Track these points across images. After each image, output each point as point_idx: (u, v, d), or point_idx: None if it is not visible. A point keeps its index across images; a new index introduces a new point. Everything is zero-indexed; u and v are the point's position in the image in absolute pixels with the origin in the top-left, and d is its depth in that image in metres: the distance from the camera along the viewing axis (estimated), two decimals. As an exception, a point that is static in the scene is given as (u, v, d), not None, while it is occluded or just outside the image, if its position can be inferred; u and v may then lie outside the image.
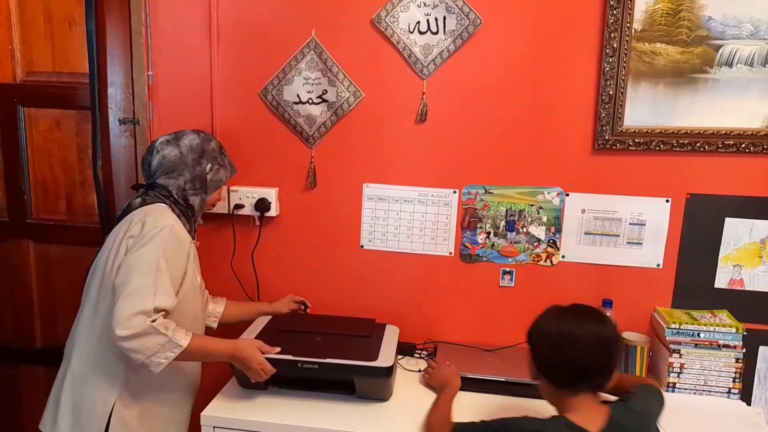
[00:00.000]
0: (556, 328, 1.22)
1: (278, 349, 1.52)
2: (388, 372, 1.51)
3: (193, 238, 1.51)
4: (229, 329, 1.73)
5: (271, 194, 1.88)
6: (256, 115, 1.87)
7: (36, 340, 2.15)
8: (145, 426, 1.45)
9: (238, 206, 1.89)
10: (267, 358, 1.49)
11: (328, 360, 1.50)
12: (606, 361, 1.20)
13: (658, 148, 1.69)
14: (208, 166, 1.51)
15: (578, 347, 1.18)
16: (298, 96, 1.84)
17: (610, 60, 1.65)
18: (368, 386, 1.54)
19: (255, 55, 1.84)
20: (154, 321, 1.29)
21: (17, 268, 2.11)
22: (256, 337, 1.60)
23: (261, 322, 1.74)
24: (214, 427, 1.49)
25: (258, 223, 1.92)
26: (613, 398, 1.27)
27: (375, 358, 1.52)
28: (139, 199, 1.46)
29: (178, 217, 1.45)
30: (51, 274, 2.10)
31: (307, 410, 1.51)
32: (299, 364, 1.50)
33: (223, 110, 1.89)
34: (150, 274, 1.31)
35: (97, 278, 1.42)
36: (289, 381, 1.58)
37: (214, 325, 1.72)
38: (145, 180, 1.54)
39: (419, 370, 1.75)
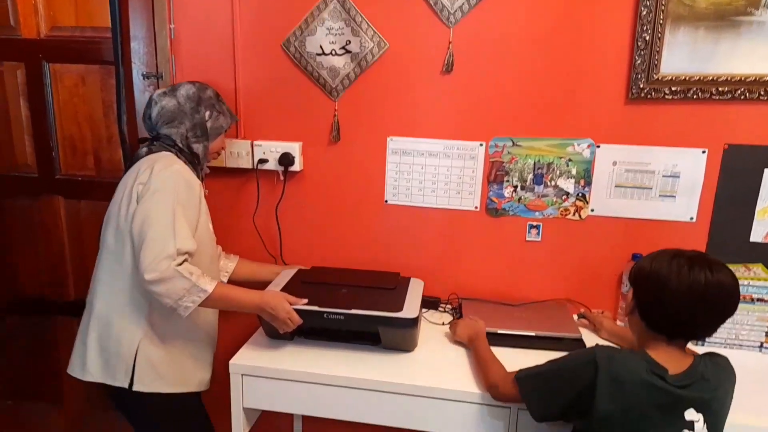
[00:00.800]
0: (675, 273, 1.13)
1: (305, 301, 1.54)
2: (413, 323, 1.52)
3: (201, 180, 1.55)
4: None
5: (294, 148, 1.87)
6: (279, 67, 1.85)
7: (69, 292, 2.21)
8: (172, 365, 1.49)
9: (262, 161, 1.89)
10: (294, 309, 1.50)
11: (353, 311, 1.52)
12: (722, 315, 1.15)
13: (695, 97, 1.62)
14: (207, 113, 1.53)
15: (698, 302, 1.11)
16: (321, 47, 1.80)
17: (648, 3, 1.57)
18: (393, 337, 1.55)
19: (277, 5, 1.80)
20: (179, 265, 1.32)
21: (49, 223, 2.15)
22: (282, 290, 1.61)
23: (287, 275, 1.75)
24: (242, 374, 1.53)
25: (282, 177, 1.92)
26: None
27: (400, 310, 1.53)
28: (144, 149, 1.50)
29: (185, 164, 1.48)
30: (81, 229, 2.15)
31: (333, 359, 1.54)
32: (325, 315, 1.52)
33: (246, 63, 1.86)
34: (167, 219, 1.34)
35: (112, 226, 1.46)
36: (315, 332, 1.60)
37: (225, 281, 1.74)
38: (148, 134, 1.57)
39: (443, 323, 1.75)
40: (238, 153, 1.90)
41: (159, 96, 1.51)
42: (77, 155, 2.09)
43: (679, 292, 1.12)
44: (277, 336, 1.59)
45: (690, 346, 1.22)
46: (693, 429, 1.13)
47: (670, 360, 1.15)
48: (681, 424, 1.13)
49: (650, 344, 1.19)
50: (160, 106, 1.49)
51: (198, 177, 1.53)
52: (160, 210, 1.35)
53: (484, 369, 1.42)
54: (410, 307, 1.55)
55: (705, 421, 1.14)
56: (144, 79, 1.93)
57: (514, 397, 1.29)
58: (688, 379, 1.13)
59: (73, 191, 2.12)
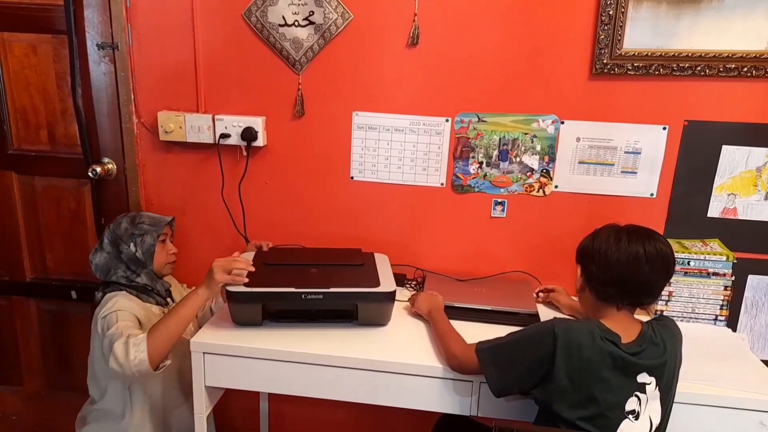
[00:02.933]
0: (615, 246, 1.23)
1: (250, 262, 1.52)
2: (391, 297, 1.53)
3: (165, 297, 1.69)
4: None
5: (257, 123, 1.83)
6: (240, 38, 1.79)
7: (25, 272, 2.13)
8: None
9: (224, 135, 1.84)
10: (266, 292, 1.49)
11: (333, 289, 1.50)
12: (661, 281, 1.24)
13: (657, 73, 1.63)
14: (130, 245, 1.61)
15: (641, 267, 1.21)
16: (283, 18, 1.75)
17: (612, -23, 1.57)
18: (372, 312, 1.56)
19: (237, -27, 1.75)
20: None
21: (1, 200, 2.07)
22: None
23: (247, 258, 1.70)
24: (204, 352, 1.50)
25: (245, 153, 1.87)
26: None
27: (378, 284, 1.53)
28: (99, 294, 1.63)
29: (138, 296, 1.61)
30: (36, 206, 2.07)
31: (296, 338, 1.52)
32: (303, 296, 1.49)
33: (206, 33, 1.80)
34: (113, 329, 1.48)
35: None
36: (287, 315, 1.58)
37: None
38: None
39: (408, 300, 1.75)
40: (199, 127, 1.85)
41: (91, 256, 1.63)
42: (30, 129, 2.00)
43: (622, 262, 1.22)
44: (245, 323, 1.56)
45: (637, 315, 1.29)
46: (645, 391, 1.19)
47: (622, 328, 1.22)
48: (634, 386, 1.18)
49: (602, 315, 1.27)
50: (94, 265, 1.62)
51: (158, 291, 1.66)
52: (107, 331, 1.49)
53: (443, 341, 1.44)
54: (386, 281, 1.56)
55: (657, 384, 1.20)
56: (99, 49, 1.85)
57: (474, 368, 1.31)
58: (639, 346, 1.20)
59: (26, 166, 2.03)
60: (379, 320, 1.59)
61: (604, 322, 1.22)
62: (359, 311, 1.55)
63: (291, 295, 1.50)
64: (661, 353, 1.21)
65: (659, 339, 1.22)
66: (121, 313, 1.51)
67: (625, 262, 1.21)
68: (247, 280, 1.48)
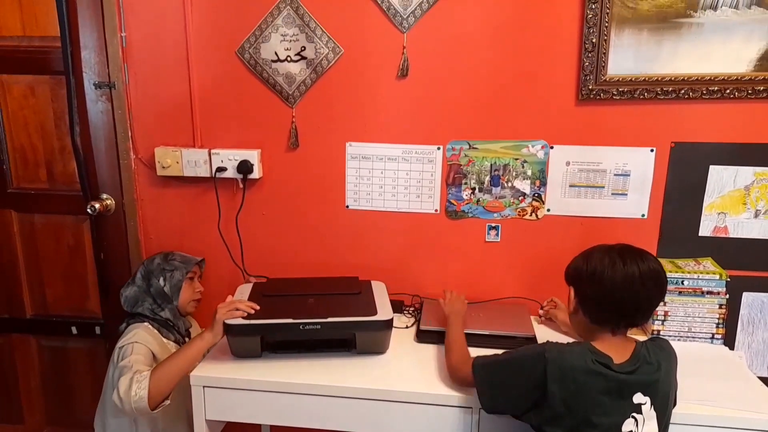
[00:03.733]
0: (610, 269, 1.22)
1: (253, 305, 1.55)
2: (388, 325, 1.54)
3: (184, 336, 1.74)
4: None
5: (253, 156, 1.86)
6: (234, 74, 1.83)
7: (25, 309, 2.14)
8: None
9: (221, 169, 1.87)
10: (264, 324, 1.51)
11: (330, 319, 1.51)
12: (656, 299, 1.24)
13: (642, 97, 1.66)
14: (160, 279, 1.69)
15: (636, 288, 1.20)
16: (276, 54, 1.79)
17: (593, 6, 1.61)
18: (369, 340, 1.57)
19: (230, 11, 1.79)
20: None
21: (1, 238, 2.09)
22: None
23: (244, 291, 1.71)
24: (203, 386, 1.50)
25: (241, 185, 1.90)
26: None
27: (375, 313, 1.54)
28: (123, 325, 1.69)
29: (159, 330, 1.66)
30: (36, 243, 2.09)
31: (296, 368, 1.52)
32: (301, 326, 1.51)
33: (200, 70, 1.85)
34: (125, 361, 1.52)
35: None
36: (284, 346, 1.59)
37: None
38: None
39: (406, 327, 1.77)
40: (196, 162, 1.88)
41: (123, 289, 1.71)
42: (29, 167, 2.03)
43: (617, 284, 1.21)
44: (244, 355, 1.57)
45: (630, 334, 1.30)
46: (641, 412, 1.19)
47: (615, 350, 1.22)
48: (630, 408, 1.19)
49: (596, 337, 1.26)
50: (124, 297, 1.69)
51: (178, 329, 1.72)
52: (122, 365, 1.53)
53: (448, 349, 1.49)
54: (383, 309, 1.57)
55: (652, 403, 1.20)
56: (96, 88, 1.89)
57: (469, 382, 1.35)
58: (632, 365, 1.20)
59: (25, 204, 2.06)
60: (377, 348, 1.59)
61: (597, 344, 1.22)
62: (357, 340, 1.56)
63: (289, 326, 1.51)
64: (654, 370, 1.21)
65: (653, 359, 1.22)
66: (137, 345, 1.56)
67: (621, 283, 1.21)
68: (253, 311, 1.52)
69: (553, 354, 1.20)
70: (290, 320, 1.51)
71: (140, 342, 1.57)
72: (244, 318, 1.51)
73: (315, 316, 1.52)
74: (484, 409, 1.31)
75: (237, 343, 1.54)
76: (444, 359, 1.51)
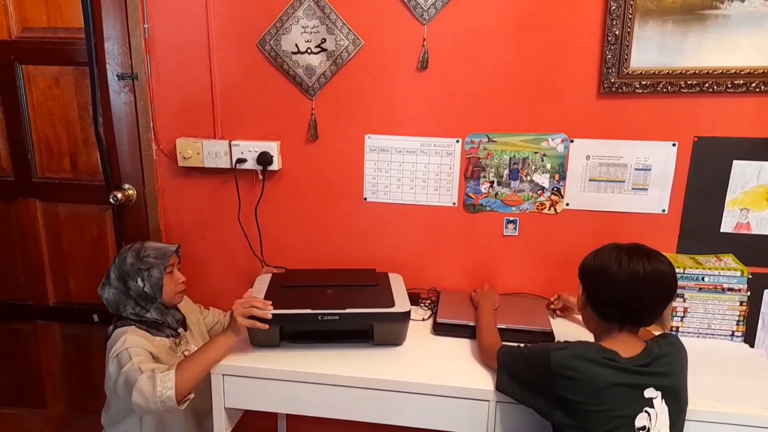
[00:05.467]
0: (616, 266, 1.23)
1: (270, 306, 1.53)
2: (406, 316, 1.56)
3: (177, 329, 1.67)
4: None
5: (272, 147, 1.87)
6: (255, 66, 1.84)
7: (49, 297, 2.19)
8: None
9: (240, 160, 1.89)
10: (283, 314, 1.51)
11: (348, 310, 1.53)
12: (661, 302, 1.24)
13: (665, 90, 1.64)
14: (137, 280, 1.59)
15: (640, 288, 1.21)
16: (296, 46, 1.80)
17: (617, -2, 1.60)
18: (387, 331, 1.58)
19: (251, 3, 1.80)
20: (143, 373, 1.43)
21: (26, 227, 2.13)
22: (264, 296, 1.61)
23: (264, 281, 1.73)
24: (223, 374, 1.53)
25: (261, 177, 1.92)
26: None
27: (393, 305, 1.56)
28: (111, 327, 1.62)
29: (147, 331, 1.59)
30: (59, 232, 2.13)
31: (313, 358, 1.54)
32: (320, 317, 1.53)
33: (222, 62, 1.86)
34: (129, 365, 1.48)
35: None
36: (302, 336, 1.61)
37: None
38: None
39: (423, 319, 1.77)
40: (216, 153, 1.90)
41: (99, 289, 1.61)
42: (53, 158, 2.07)
43: (621, 282, 1.22)
44: (262, 344, 1.59)
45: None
46: (653, 406, 1.20)
47: (623, 346, 1.23)
48: (642, 402, 1.19)
49: (604, 335, 1.28)
50: (104, 299, 1.61)
51: (168, 325, 1.64)
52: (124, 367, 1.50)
53: (479, 332, 1.57)
54: (401, 301, 1.59)
55: (663, 397, 1.21)
56: (119, 79, 1.91)
57: (493, 365, 1.42)
58: (643, 360, 1.21)
59: (50, 194, 2.10)
60: (394, 340, 1.60)
61: (605, 341, 1.24)
62: (375, 331, 1.57)
63: (308, 316, 1.53)
64: (665, 363, 1.22)
65: (663, 352, 1.24)
66: (133, 350, 1.51)
67: (624, 282, 1.21)
68: (267, 327, 1.50)
69: (557, 351, 1.23)
70: (309, 311, 1.53)
71: (134, 346, 1.52)
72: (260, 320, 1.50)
73: (333, 307, 1.54)
74: (496, 387, 1.38)
75: (257, 333, 1.55)
76: (461, 351, 1.56)
